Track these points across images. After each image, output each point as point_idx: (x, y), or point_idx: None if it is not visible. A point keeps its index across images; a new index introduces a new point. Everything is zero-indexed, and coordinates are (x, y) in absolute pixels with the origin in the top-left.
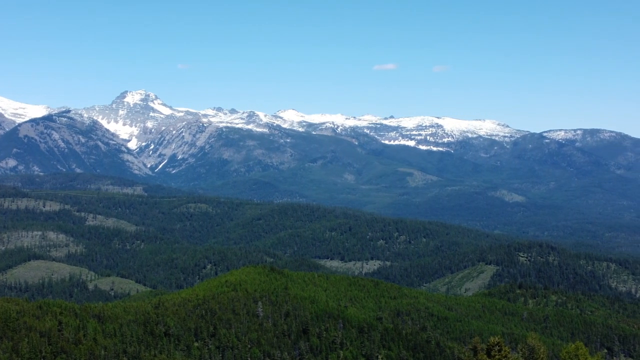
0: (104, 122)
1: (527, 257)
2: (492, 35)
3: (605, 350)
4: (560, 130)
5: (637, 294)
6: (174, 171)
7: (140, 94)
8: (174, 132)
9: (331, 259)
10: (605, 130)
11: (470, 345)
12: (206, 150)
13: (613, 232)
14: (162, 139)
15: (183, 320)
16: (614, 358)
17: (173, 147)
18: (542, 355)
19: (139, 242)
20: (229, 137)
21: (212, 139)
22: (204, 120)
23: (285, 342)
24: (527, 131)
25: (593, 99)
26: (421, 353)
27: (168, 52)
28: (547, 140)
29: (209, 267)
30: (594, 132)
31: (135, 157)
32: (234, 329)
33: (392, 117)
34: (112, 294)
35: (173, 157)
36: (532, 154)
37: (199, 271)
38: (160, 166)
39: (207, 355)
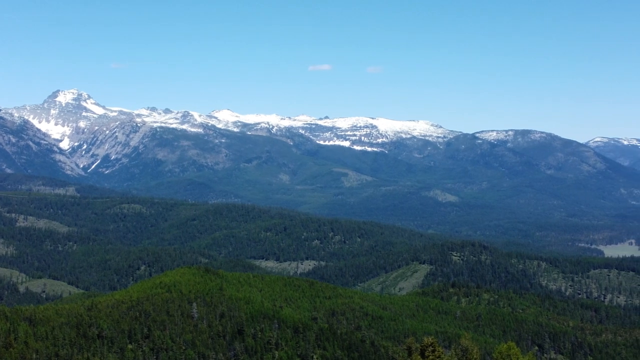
0: (35, 122)
1: (460, 256)
2: (425, 36)
3: (536, 348)
4: (492, 131)
5: (566, 291)
6: (107, 171)
7: (73, 93)
8: (107, 132)
9: (266, 260)
10: (536, 131)
11: (405, 345)
12: (140, 151)
13: (543, 231)
14: (95, 139)
15: (116, 322)
16: (545, 355)
17: (106, 147)
18: (475, 356)
19: (71, 243)
20: (163, 137)
21: (146, 139)
22: (138, 120)
23: (220, 343)
24: (460, 132)
25: (524, 100)
26: (356, 352)
27: (101, 51)
28: (479, 141)
29: (142, 268)
30: (525, 132)
31: (68, 157)
32: (169, 330)
33: (327, 117)
34: (44, 296)
35: (106, 158)
36: (465, 155)
37: (133, 272)
38: (93, 166)
39: (141, 357)
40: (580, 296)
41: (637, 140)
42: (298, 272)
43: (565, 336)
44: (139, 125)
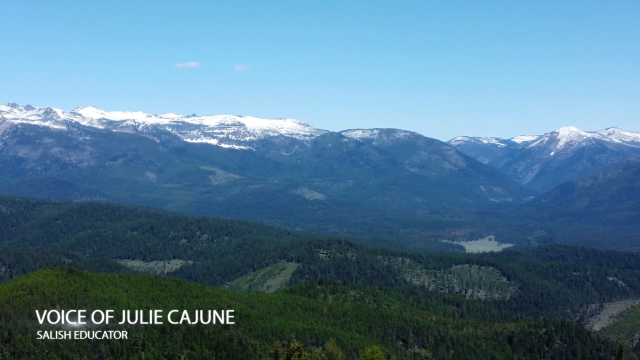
0: None
1: (326, 254)
2: (292, 34)
3: (401, 343)
4: (358, 129)
5: (430, 287)
6: None
7: None
8: None
9: (132, 259)
10: (400, 130)
11: (272, 349)
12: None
13: (407, 228)
14: None
15: None
16: (409, 349)
17: None
18: None
19: None
20: (25, 134)
21: (6, 136)
22: None
23: (84, 346)
24: (327, 130)
25: (389, 99)
26: (224, 352)
27: None
28: (345, 140)
29: (3, 269)
30: (389, 131)
31: None
32: (31, 333)
33: (194, 115)
34: None
35: None
36: (332, 153)
37: None
38: None
39: None
40: (442, 291)
41: (495, 139)
42: (165, 271)
43: (429, 330)
44: None
